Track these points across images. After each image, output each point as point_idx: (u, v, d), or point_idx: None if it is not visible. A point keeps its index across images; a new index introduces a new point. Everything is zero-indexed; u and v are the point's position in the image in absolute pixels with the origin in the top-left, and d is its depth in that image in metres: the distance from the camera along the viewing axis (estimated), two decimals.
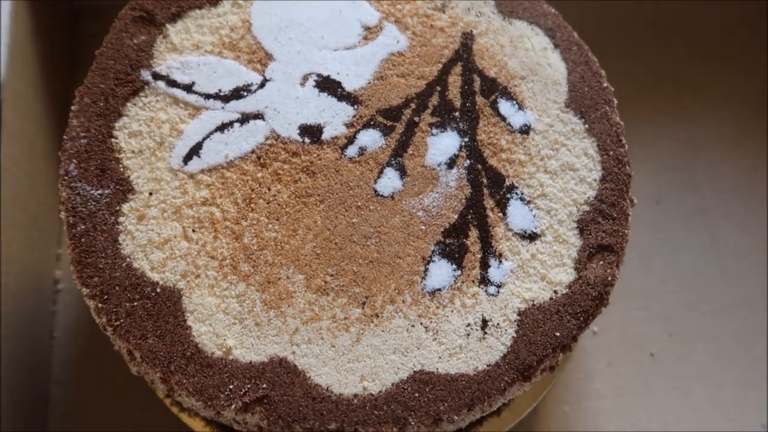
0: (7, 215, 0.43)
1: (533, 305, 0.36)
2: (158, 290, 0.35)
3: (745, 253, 0.54)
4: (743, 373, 0.50)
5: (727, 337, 0.51)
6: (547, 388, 0.45)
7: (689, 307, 0.52)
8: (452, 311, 0.36)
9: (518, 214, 0.38)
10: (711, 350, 0.51)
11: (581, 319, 0.36)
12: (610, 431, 0.48)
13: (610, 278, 0.37)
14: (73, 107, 0.38)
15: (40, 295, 0.48)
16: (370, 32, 0.42)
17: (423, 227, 0.38)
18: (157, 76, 0.39)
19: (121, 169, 0.37)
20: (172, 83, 0.39)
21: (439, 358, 0.35)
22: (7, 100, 0.44)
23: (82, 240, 0.36)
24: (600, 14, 0.60)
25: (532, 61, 0.42)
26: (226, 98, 0.39)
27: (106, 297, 0.35)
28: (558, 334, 0.36)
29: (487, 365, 0.35)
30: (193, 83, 0.40)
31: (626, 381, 0.50)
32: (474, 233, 0.38)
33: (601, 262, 0.38)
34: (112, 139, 0.38)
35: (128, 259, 0.36)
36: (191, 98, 0.39)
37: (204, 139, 0.38)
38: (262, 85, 0.40)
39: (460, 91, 0.41)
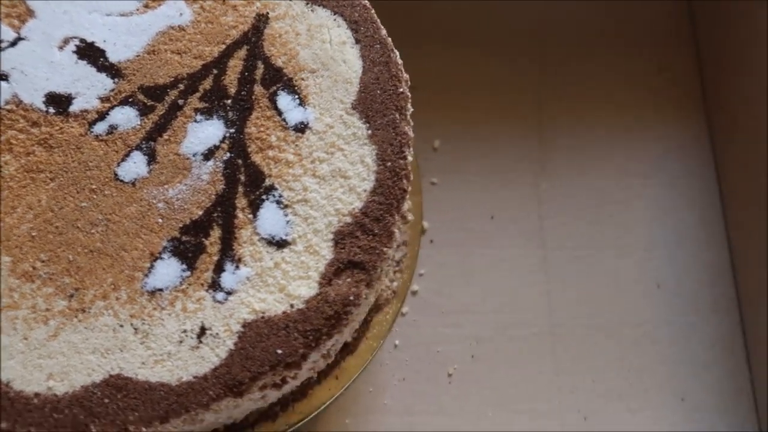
0: None
1: (262, 317, 0.34)
2: None
3: (571, 280, 0.52)
4: (539, 403, 0.49)
5: (531, 365, 0.50)
6: (331, 398, 0.43)
7: (500, 329, 0.50)
8: (170, 314, 0.33)
9: (270, 218, 0.36)
10: (511, 376, 0.49)
11: (310, 338, 0.34)
12: None
13: (352, 298, 0.35)
14: None
15: None
16: (152, 0, 0.38)
17: (160, 220, 0.35)
18: None
19: None
20: None
21: (143, 363, 0.32)
22: None
23: None
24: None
25: (327, 54, 0.39)
26: None
27: None
28: (280, 351, 0.33)
29: (194, 376, 0.33)
30: None
31: (418, 399, 0.48)
32: (216, 233, 0.35)
33: (348, 280, 0.35)
34: None
35: None
36: None
37: None
38: (14, 44, 0.36)
39: (238, 77, 0.38)
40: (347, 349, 0.43)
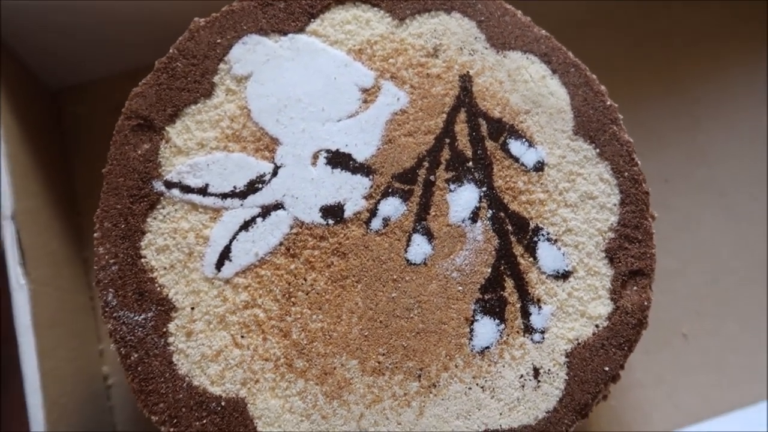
0: (46, 338, 0.44)
1: (579, 344, 0.38)
2: (223, 403, 0.36)
3: (758, 218, 0.55)
4: None
5: (753, 305, 0.53)
6: None
7: (712, 282, 0.54)
8: (504, 366, 0.37)
9: (548, 256, 0.39)
10: (740, 321, 0.53)
11: (626, 348, 0.38)
12: (656, 418, 0.50)
13: (646, 303, 0.39)
14: (95, 234, 0.38)
15: (94, 396, 0.49)
16: (368, 94, 0.42)
17: (460, 288, 0.39)
18: (169, 185, 0.39)
19: (158, 289, 0.38)
20: (186, 189, 0.39)
21: (500, 414, 0.37)
22: (23, 223, 0.44)
23: (139, 369, 0.36)
24: None
25: (533, 92, 0.42)
26: (242, 194, 0.39)
27: (175, 421, 0.36)
28: (607, 368, 0.37)
29: (546, 412, 0.37)
30: (207, 185, 0.39)
31: (664, 366, 0.52)
32: (510, 283, 0.39)
33: (635, 288, 0.39)
34: (142, 260, 0.38)
35: (187, 378, 0.37)
36: (208, 201, 0.39)
37: (231, 241, 0.39)
38: (275, 173, 0.40)
39: (468, 138, 0.41)
40: None
